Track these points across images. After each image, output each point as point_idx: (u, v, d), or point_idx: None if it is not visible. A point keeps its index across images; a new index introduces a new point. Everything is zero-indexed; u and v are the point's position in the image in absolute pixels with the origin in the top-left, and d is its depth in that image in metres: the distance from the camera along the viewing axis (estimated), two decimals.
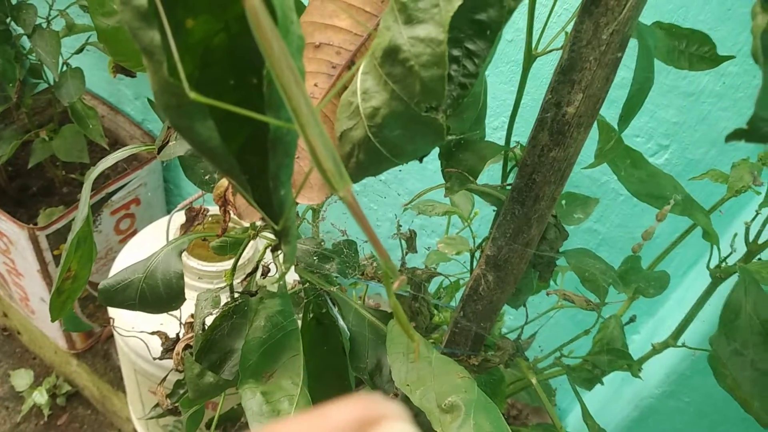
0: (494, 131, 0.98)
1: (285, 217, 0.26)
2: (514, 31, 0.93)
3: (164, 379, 0.64)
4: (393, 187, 1.17)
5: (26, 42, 1.17)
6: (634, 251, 0.57)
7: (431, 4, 0.29)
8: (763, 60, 0.25)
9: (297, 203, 0.35)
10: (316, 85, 0.36)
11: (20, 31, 1.15)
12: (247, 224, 0.52)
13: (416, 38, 0.29)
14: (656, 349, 0.69)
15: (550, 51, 0.52)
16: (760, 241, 0.59)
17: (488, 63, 0.35)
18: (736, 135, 0.25)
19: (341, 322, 0.54)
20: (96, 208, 1.32)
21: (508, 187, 0.55)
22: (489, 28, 0.33)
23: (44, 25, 1.16)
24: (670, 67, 0.83)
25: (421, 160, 0.36)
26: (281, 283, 0.49)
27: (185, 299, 0.47)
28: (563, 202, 0.78)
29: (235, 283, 0.51)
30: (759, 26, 0.25)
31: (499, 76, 0.97)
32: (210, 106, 0.25)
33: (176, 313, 0.58)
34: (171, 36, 0.21)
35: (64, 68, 1.17)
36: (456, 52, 0.33)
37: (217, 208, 0.44)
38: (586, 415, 0.65)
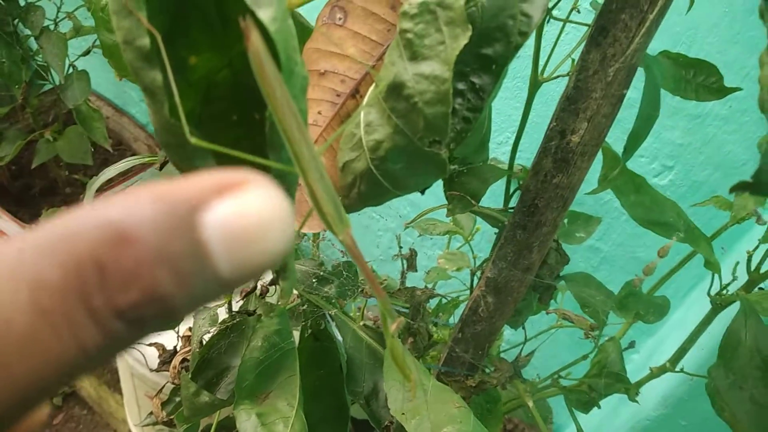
0: (498, 146, 0.98)
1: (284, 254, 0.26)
2: (523, 62, 0.92)
3: (160, 390, 0.64)
4: (395, 200, 1.17)
5: (33, 43, 1.17)
6: (635, 285, 0.57)
7: (437, 41, 0.29)
8: None
9: (302, 233, 0.35)
10: (319, 112, 0.36)
11: (27, 32, 1.15)
12: None
13: (421, 75, 0.29)
14: (654, 374, 0.69)
15: (556, 77, 0.52)
16: (762, 271, 0.59)
17: (494, 97, 0.35)
18: (740, 187, 0.25)
19: (338, 336, 0.54)
20: None
21: (510, 210, 0.55)
22: (495, 63, 0.32)
23: (51, 27, 1.16)
24: None
25: (423, 192, 0.36)
26: (279, 304, 0.49)
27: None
28: (565, 221, 0.78)
29: (233, 302, 0.51)
30: (766, 77, 0.25)
31: (505, 92, 0.97)
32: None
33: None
34: (172, 77, 0.21)
35: (71, 70, 1.17)
36: (461, 86, 0.33)
37: None
38: None
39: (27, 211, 1.38)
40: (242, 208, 0.15)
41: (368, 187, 0.33)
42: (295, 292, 0.60)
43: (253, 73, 0.23)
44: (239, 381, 0.45)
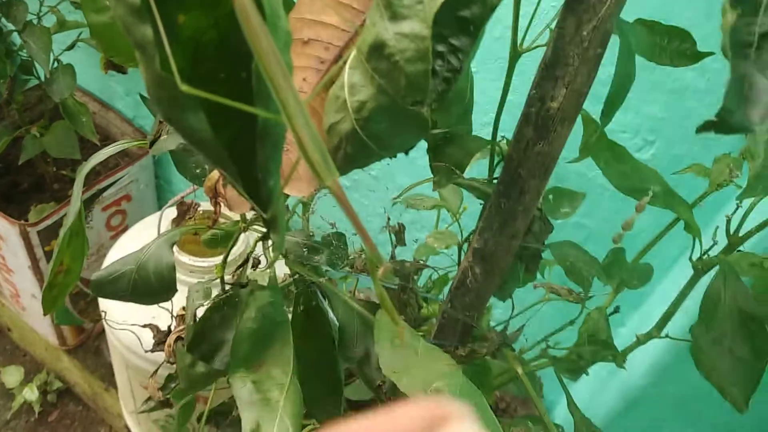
0: (483, 127, 0.99)
1: (274, 207, 0.27)
2: (502, 28, 0.94)
3: (156, 371, 0.65)
4: (383, 182, 1.18)
5: (17, 38, 1.17)
6: (614, 241, 0.58)
7: (415, 0, 0.30)
8: (732, 55, 0.26)
9: (287, 195, 0.36)
10: (304, 79, 0.37)
11: (11, 27, 1.15)
12: (238, 218, 0.53)
13: (401, 34, 0.30)
14: (640, 341, 0.71)
15: (536, 47, 0.53)
16: (741, 234, 0.61)
17: (472, 58, 0.36)
18: (706, 127, 0.26)
19: (331, 314, 0.55)
20: (87, 205, 1.32)
21: (495, 181, 0.56)
22: (472, 24, 0.34)
23: (35, 22, 1.16)
24: (656, 65, 0.85)
25: (407, 153, 0.37)
26: (272, 275, 0.50)
27: (177, 290, 0.48)
28: (550, 196, 0.80)
29: (226, 276, 0.52)
30: (728, 23, 0.26)
31: (488, 73, 0.98)
32: (201, 100, 0.26)
33: (167, 305, 0.59)
34: (162, 31, 0.22)
35: (55, 65, 1.17)
36: (440, 48, 0.34)
37: (209, 204, 0.44)
38: (571, 405, 0.66)
39: (15, 207, 1.37)
40: None
41: (354, 149, 0.34)
42: (286, 270, 0.61)
43: (238, 32, 0.24)
44: (234, 350, 0.46)
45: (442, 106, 0.40)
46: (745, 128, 0.26)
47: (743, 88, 0.26)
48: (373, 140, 0.34)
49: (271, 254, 0.51)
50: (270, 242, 0.49)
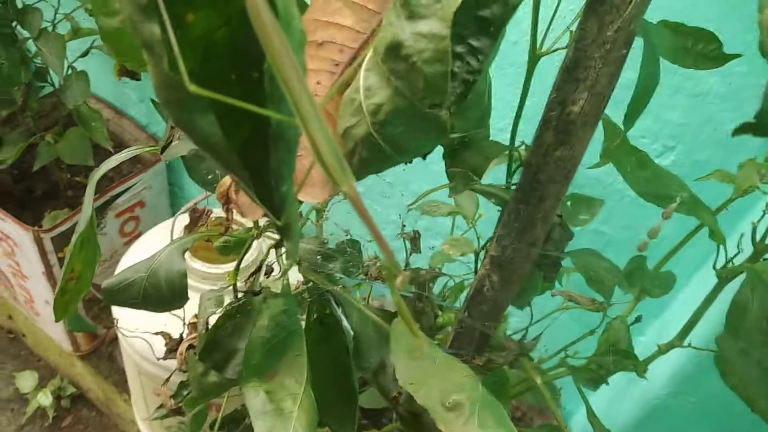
0: (500, 132, 0.98)
1: (287, 213, 0.26)
2: (518, 32, 0.92)
3: (168, 379, 0.64)
4: (398, 188, 1.17)
5: (32, 45, 1.17)
6: (639, 250, 0.57)
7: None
8: None
9: (300, 201, 0.35)
10: (318, 83, 0.36)
11: (26, 34, 1.15)
12: (250, 224, 0.52)
13: (419, 34, 0.29)
14: (662, 350, 0.69)
15: (555, 50, 0.52)
16: (767, 242, 0.59)
17: (492, 60, 0.35)
18: (743, 129, 0.25)
19: (345, 322, 0.54)
20: (100, 211, 1.32)
21: (513, 187, 0.55)
22: (492, 25, 0.32)
23: (50, 29, 1.16)
24: (676, 69, 0.83)
25: (424, 158, 0.36)
26: (285, 283, 0.49)
27: (188, 298, 0.47)
28: (568, 203, 0.78)
29: (238, 284, 0.51)
30: (766, 20, 0.25)
31: (505, 78, 0.97)
32: (211, 101, 0.25)
33: (180, 313, 0.58)
34: (171, 29, 0.21)
35: (69, 71, 1.18)
36: (460, 49, 0.33)
37: (221, 210, 0.44)
38: (591, 415, 0.65)
39: (30, 214, 1.38)
40: None
41: (369, 153, 0.33)
42: (300, 278, 0.60)
43: (250, 31, 0.23)
44: (246, 359, 0.45)
45: (460, 109, 0.39)
46: None
47: None
48: (390, 144, 0.33)
49: (285, 262, 0.50)
50: (283, 249, 0.48)
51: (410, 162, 0.45)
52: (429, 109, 0.31)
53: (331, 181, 0.23)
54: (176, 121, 0.24)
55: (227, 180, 0.40)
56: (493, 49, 0.33)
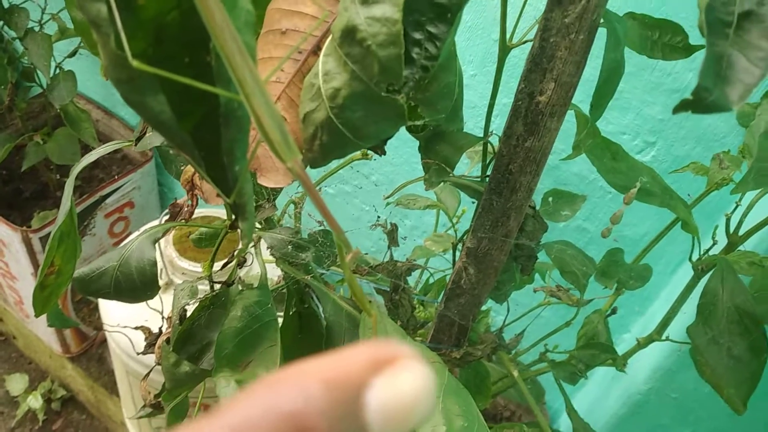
0: (474, 129, 0.98)
1: (239, 192, 0.27)
2: (499, 30, 0.93)
3: (147, 374, 0.64)
4: (384, 187, 1.17)
5: (19, 46, 1.18)
6: (603, 236, 0.57)
7: None
8: (708, 33, 0.25)
9: (263, 185, 0.35)
10: (282, 70, 0.36)
11: (13, 34, 1.15)
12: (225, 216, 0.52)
13: (373, 18, 0.30)
14: (641, 344, 0.69)
15: (526, 42, 0.52)
16: (740, 233, 0.60)
17: (449, 46, 0.35)
18: (682, 106, 0.25)
19: (320, 312, 0.54)
20: (90, 211, 1.32)
21: (487, 179, 0.55)
22: (449, 11, 0.33)
23: (37, 29, 1.17)
24: (655, 65, 0.84)
25: (384, 143, 0.36)
26: (262, 274, 0.50)
27: (159, 287, 0.48)
28: (550, 199, 0.79)
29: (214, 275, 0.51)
30: (704, 1, 0.25)
31: (486, 75, 0.98)
32: (162, 81, 0.25)
33: (158, 305, 0.58)
34: (116, 7, 0.22)
35: (57, 71, 1.18)
36: (418, 36, 0.33)
37: (207, 209, 0.44)
38: (570, 409, 0.65)
39: (18, 214, 1.38)
40: (399, 390, 0.15)
41: (330, 138, 0.34)
42: (279, 273, 0.60)
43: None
44: (218, 349, 0.45)
45: (425, 97, 0.40)
46: (723, 107, 0.25)
47: (721, 67, 0.26)
48: (349, 128, 0.33)
49: (257, 253, 0.50)
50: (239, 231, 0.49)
51: (380, 153, 0.45)
52: (386, 93, 0.31)
53: (276, 157, 0.24)
54: (127, 100, 0.24)
55: (192, 167, 0.41)
56: (450, 34, 0.33)
